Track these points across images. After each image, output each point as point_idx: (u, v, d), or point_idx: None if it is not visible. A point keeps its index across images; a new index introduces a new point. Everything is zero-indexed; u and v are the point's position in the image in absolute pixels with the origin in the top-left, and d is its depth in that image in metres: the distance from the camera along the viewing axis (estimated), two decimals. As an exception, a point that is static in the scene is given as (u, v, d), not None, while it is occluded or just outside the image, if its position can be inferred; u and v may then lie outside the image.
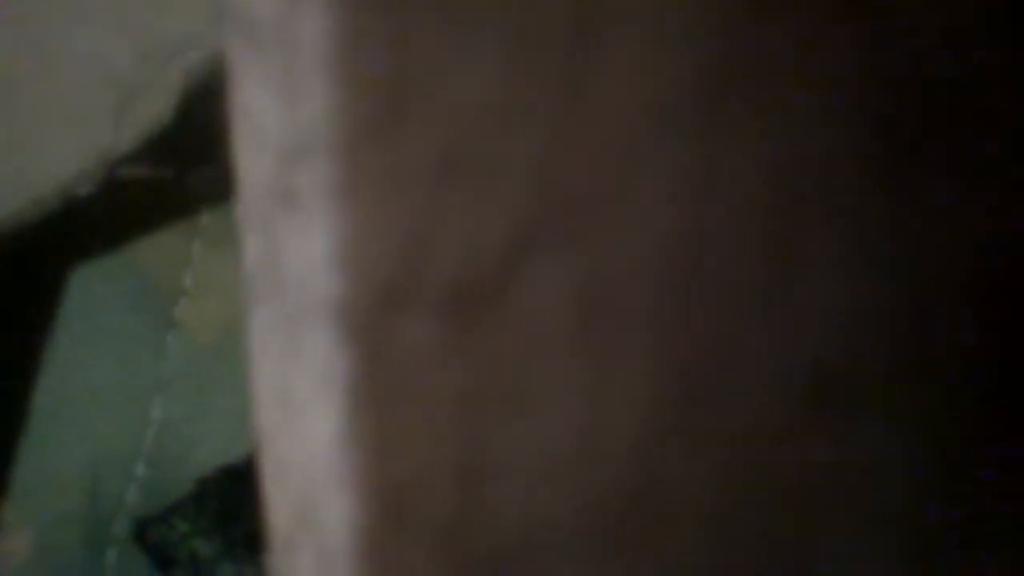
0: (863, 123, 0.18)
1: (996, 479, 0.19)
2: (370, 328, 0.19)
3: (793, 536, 0.18)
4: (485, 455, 0.18)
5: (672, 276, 0.18)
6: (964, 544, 0.19)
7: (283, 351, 0.20)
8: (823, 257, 0.18)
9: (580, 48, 0.18)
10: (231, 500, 0.34)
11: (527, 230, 0.18)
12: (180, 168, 0.35)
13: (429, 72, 0.18)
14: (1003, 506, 0.18)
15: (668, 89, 0.18)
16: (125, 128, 0.34)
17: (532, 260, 0.18)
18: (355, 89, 0.19)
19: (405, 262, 0.18)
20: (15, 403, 0.36)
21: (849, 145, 0.18)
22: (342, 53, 0.19)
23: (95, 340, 0.36)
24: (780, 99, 0.18)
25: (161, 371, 0.36)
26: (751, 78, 0.18)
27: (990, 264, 0.19)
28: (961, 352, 0.18)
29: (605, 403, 0.18)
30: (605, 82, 0.18)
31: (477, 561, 0.19)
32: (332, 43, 0.19)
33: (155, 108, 0.34)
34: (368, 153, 0.19)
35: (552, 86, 0.18)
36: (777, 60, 0.18)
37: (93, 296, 0.36)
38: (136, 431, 0.36)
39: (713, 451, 0.18)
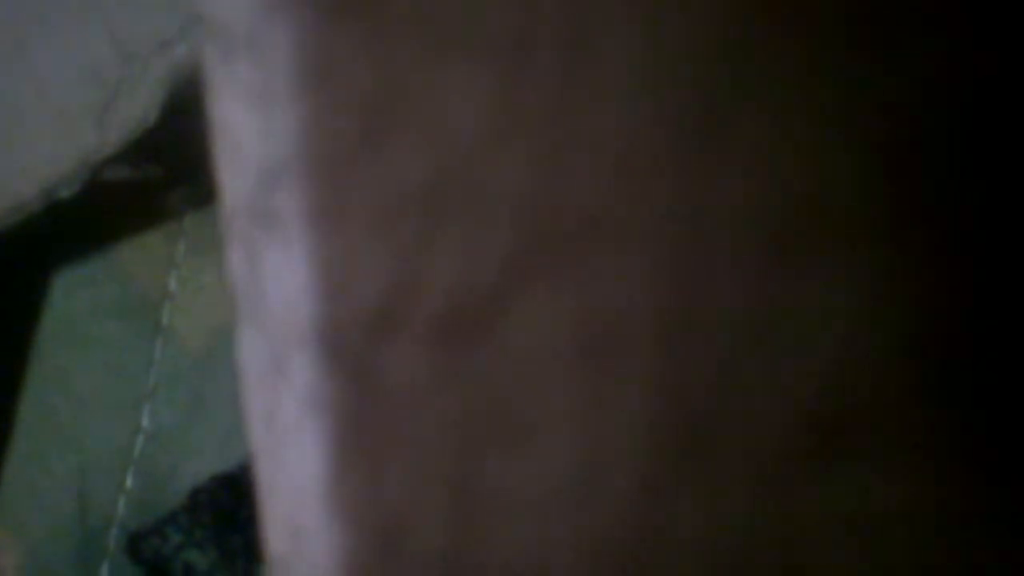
0: (861, 150, 0.18)
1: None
2: (357, 356, 0.18)
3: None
4: (479, 488, 0.18)
5: (669, 308, 0.18)
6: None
7: (268, 372, 0.20)
8: (825, 290, 0.17)
9: (572, 73, 0.18)
10: (226, 510, 0.34)
11: (521, 258, 0.18)
12: (164, 169, 0.35)
13: (414, 90, 0.18)
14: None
15: (661, 119, 0.18)
16: (108, 129, 0.33)
17: (526, 289, 0.18)
18: (333, 105, 0.18)
19: (393, 290, 0.18)
20: (-1, 415, 0.35)
21: (848, 172, 0.17)
22: (318, 66, 0.18)
23: (80, 348, 0.36)
24: (775, 130, 0.17)
25: (149, 379, 0.35)
26: (744, 109, 0.17)
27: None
28: (980, 389, 0.18)
29: (603, 437, 0.17)
30: (597, 110, 0.18)
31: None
32: (307, 55, 0.18)
33: (139, 107, 0.33)
34: (350, 175, 0.18)
35: (544, 113, 0.18)
36: (771, 89, 0.18)
37: (77, 302, 0.36)
38: (125, 441, 0.35)
39: (717, 497, 0.17)
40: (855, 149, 0.18)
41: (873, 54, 0.17)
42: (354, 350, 0.18)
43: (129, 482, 0.35)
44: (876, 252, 0.18)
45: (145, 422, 0.35)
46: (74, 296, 0.36)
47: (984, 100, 0.18)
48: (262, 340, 0.20)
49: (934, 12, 0.18)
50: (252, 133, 0.19)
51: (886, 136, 0.18)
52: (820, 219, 0.17)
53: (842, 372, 0.17)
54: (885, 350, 0.17)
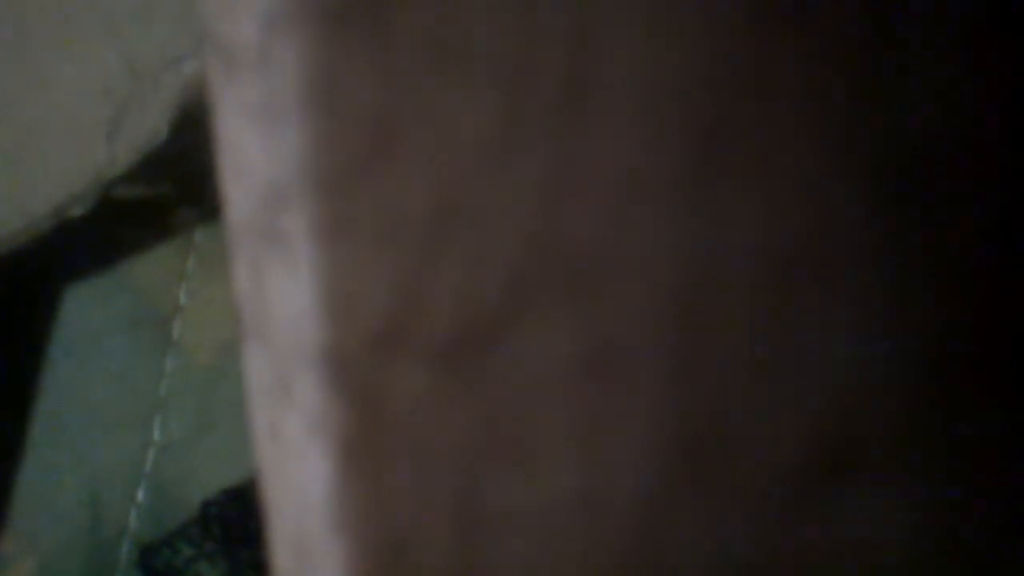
0: (864, 179, 0.17)
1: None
2: (361, 376, 0.18)
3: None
4: (483, 508, 0.18)
5: (673, 334, 0.18)
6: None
7: (273, 390, 0.20)
8: (830, 316, 0.17)
9: (576, 95, 0.18)
10: (236, 523, 0.34)
11: (525, 279, 0.18)
12: (175, 185, 0.35)
13: (420, 110, 0.18)
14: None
15: (664, 143, 0.18)
16: (119, 145, 0.34)
17: (530, 310, 0.18)
18: (339, 124, 0.18)
19: (397, 310, 0.18)
20: (11, 429, 0.35)
21: (850, 202, 0.17)
22: (324, 84, 0.18)
23: (91, 362, 0.36)
24: (779, 155, 0.17)
25: (160, 392, 0.35)
26: (749, 133, 0.17)
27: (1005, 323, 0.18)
28: (976, 417, 0.18)
29: (606, 458, 0.17)
30: (601, 132, 0.18)
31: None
32: (313, 72, 0.18)
33: (150, 124, 0.34)
34: (355, 195, 0.18)
35: (548, 134, 0.18)
36: (775, 115, 0.17)
37: (88, 317, 0.36)
38: (136, 454, 0.35)
39: (719, 521, 0.17)
40: (860, 174, 0.17)
41: (875, 77, 0.17)
42: (358, 369, 0.18)
43: (140, 495, 0.35)
44: (881, 279, 0.18)
45: (156, 435, 0.35)
46: (85, 310, 0.36)
47: (991, 119, 0.18)
48: (267, 357, 0.20)
49: (941, 39, 0.18)
50: (256, 151, 0.19)
51: (890, 160, 0.17)
52: (825, 245, 0.17)
53: (847, 398, 0.17)
54: (891, 377, 0.17)
